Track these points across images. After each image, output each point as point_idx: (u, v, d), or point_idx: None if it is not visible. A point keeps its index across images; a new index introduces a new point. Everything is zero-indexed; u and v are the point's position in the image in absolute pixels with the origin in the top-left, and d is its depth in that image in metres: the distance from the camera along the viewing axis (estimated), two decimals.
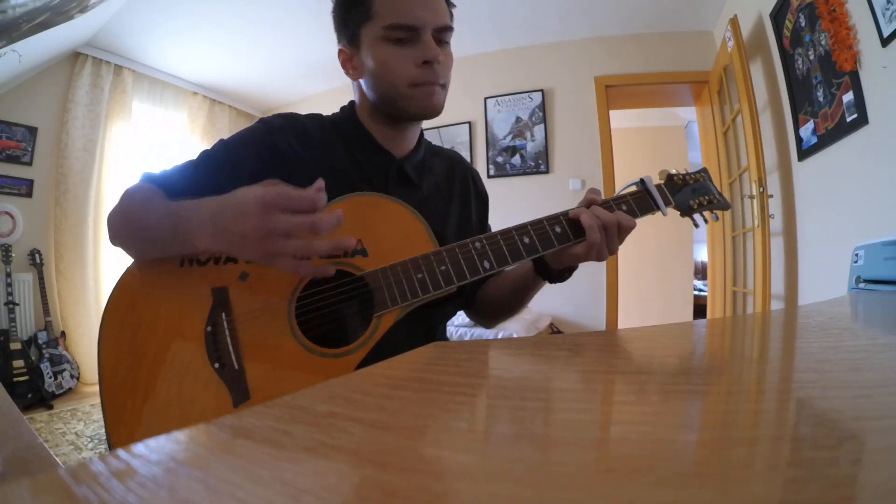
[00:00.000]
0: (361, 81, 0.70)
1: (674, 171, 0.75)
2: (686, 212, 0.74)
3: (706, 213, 0.75)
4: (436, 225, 0.66)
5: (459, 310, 0.85)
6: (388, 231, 0.63)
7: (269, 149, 0.67)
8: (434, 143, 0.85)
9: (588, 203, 0.67)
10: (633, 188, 0.72)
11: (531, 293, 0.78)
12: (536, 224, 0.65)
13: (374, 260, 0.61)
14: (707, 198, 0.75)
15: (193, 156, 0.68)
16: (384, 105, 0.70)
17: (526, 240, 0.64)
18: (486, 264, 0.62)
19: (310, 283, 0.61)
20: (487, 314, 0.84)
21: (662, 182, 0.74)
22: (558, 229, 0.65)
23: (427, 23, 0.65)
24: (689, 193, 0.74)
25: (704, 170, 0.79)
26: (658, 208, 0.71)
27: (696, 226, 0.76)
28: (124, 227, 0.63)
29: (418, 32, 0.65)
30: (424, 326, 0.71)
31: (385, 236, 0.63)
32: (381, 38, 0.65)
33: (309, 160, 0.68)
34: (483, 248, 0.63)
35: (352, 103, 0.76)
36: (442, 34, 0.67)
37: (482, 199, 0.88)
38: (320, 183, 0.52)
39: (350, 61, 0.71)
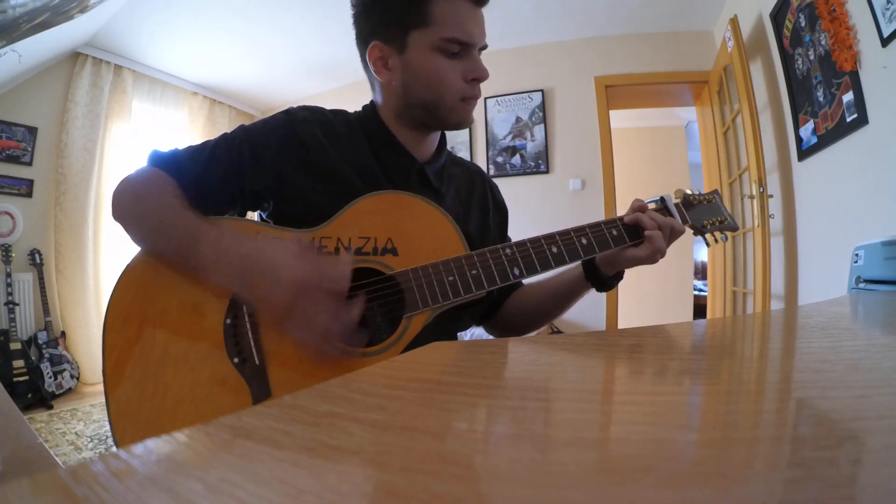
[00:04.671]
0: (394, 83, 0.69)
1: (689, 192, 0.79)
2: (699, 230, 0.77)
3: (716, 234, 0.79)
4: None
5: (474, 324, 0.83)
6: (419, 231, 0.62)
7: (292, 139, 0.66)
8: None
9: (637, 209, 0.71)
10: (653, 205, 0.75)
11: (574, 299, 0.78)
12: (564, 234, 0.67)
13: (404, 259, 0.61)
14: (718, 218, 0.78)
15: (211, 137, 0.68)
16: (422, 111, 0.69)
17: (554, 249, 0.65)
18: (517, 271, 0.63)
19: None
20: (515, 326, 0.83)
21: (679, 201, 0.77)
22: (584, 241, 0.67)
23: (478, 41, 0.67)
24: (702, 213, 0.78)
25: (716, 191, 0.82)
26: None
27: (708, 244, 0.80)
28: (133, 216, 0.62)
29: (470, 49, 0.66)
30: (449, 330, 0.71)
31: (416, 236, 0.62)
32: (435, 48, 0.65)
33: (333, 153, 0.67)
34: (513, 254, 0.63)
35: (373, 104, 0.75)
36: (480, 52, 0.70)
37: (501, 210, 0.88)
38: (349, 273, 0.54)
39: (385, 60, 0.68)
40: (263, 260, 0.53)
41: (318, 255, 0.55)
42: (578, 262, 0.73)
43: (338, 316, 0.53)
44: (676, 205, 0.75)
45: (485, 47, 0.69)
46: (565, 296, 0.78)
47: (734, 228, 0.79)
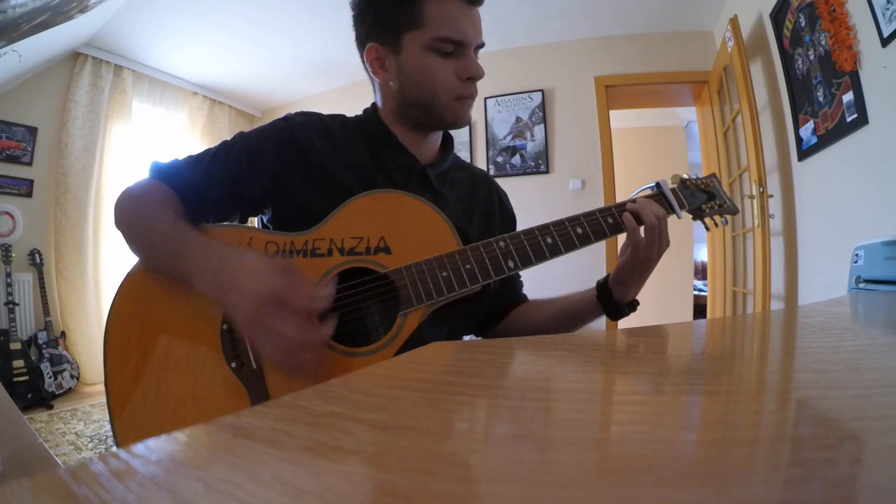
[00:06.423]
0: (391, 83, 0.70)
1: (686, 176, 0.77)
2: (698, 215, 0.76)
3: (716, 217, 0.77)
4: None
5: (472, 333, 0.82)
6: (412, 229, 0.63)
7: (290, 144, 0.67)
8: None
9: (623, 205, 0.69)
10: (649, 191, 0.73)
11: (581, 322, 0.76)
12: (559, 224, 0.66)
13: (397, 258, 0.61)
14: (717, 202, 0.76)
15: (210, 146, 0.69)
16: (418, 110, 0.70)
17: (549, 240, 0.64)
18: (511, 263, 0.62)
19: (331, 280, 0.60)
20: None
21: (676, 186, 0.76)
22: (580, 230, 0.66)
23: (473, 40, 0.67)
24: (700, 198, 0.76)
25: (714, 175, 0.80)
26: (674, 211, 0.72)
27: (708, 229, 0.78)
28: (131, 231, 0.63)
29: (464, 48, 0.67)
30: (447, 328, 0.71)
31: (409, 234, 0.62)
32: (428, 48, 0.65)
33: (331, 156, 0.68)
34: (507, 247, 0.63)
35: (374, 106, 0.76)
36: (478, 50, 0.70)
37: (508, 219, 0.86)
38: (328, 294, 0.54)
39: (381, 61, 0.70)
40: (232, 275, 0.53)
41: (289, 273, 0.53)
42: (593, 286, 0.72)
43: (303, 332, 0.51)
44: (673, 190, 0.74)
45: (481, 46, 0.69)
46: (573, 317, 0.76)
47: (734, 211, 0.77)
